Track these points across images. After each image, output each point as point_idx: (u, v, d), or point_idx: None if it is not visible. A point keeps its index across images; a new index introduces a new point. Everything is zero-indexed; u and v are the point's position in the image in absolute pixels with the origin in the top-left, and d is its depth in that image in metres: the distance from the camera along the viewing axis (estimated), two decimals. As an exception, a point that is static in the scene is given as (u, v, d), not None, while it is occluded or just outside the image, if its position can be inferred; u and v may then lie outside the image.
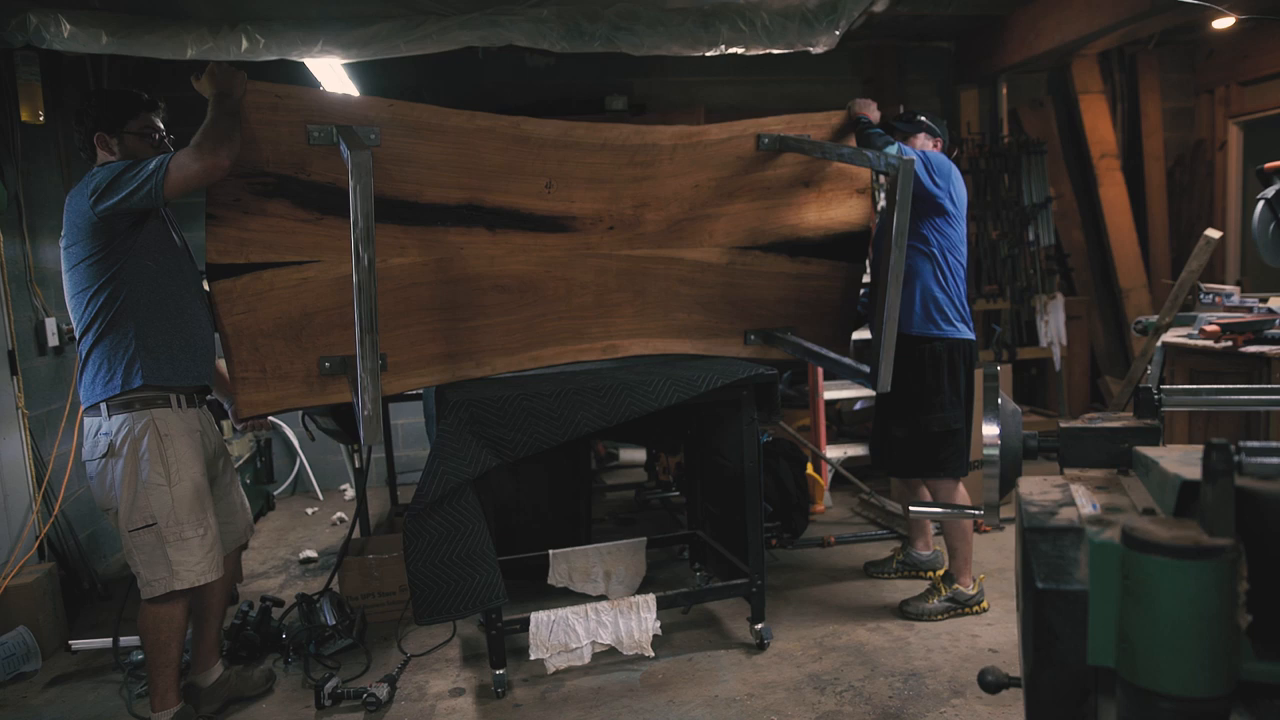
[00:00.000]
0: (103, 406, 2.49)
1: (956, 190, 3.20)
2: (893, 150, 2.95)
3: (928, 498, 3.42)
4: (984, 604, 3.34)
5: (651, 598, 3.04)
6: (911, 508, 3.10)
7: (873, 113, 3.21)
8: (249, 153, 2.51)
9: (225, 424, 4.02)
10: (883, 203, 5.79)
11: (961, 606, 3.31)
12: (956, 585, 3.33)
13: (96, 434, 2.50)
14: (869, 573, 3.78)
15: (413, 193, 2.79)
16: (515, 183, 2.89)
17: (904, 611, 3.34)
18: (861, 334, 5.21)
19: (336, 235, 2.70)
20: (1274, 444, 0.86)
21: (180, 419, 2.55)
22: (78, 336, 2.52)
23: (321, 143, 2.57)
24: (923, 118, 3.38)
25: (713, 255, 3.23)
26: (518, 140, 2.82)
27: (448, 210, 2.86)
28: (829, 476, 4.80)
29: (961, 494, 3.35)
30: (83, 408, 2.55)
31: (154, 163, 2.35)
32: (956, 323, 3.24)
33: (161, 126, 2.61)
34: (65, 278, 2.51)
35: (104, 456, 2.48)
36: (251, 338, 2.71)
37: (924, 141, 3.33)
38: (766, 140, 3.12)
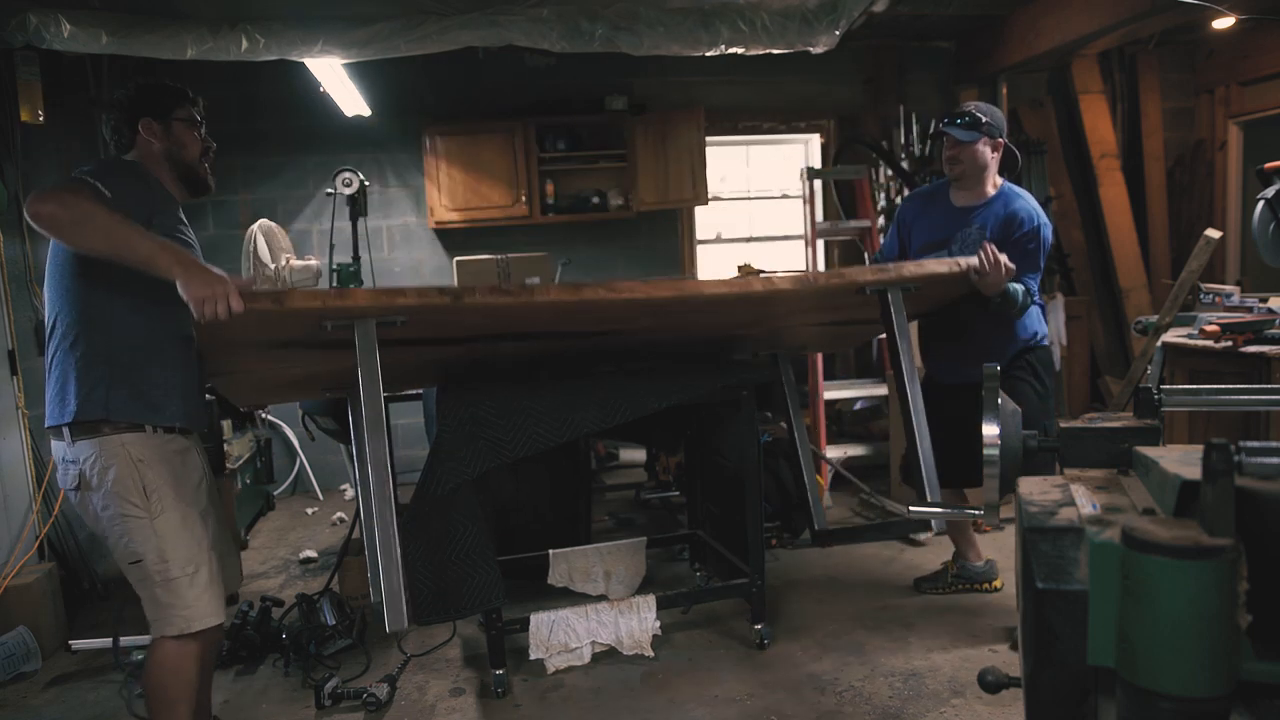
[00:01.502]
0: (64, 430, 2.17)
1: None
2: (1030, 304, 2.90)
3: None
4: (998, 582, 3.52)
5: (651, 598, 3.04)
6: (912, 507, 3.09)
7: (1002, 277, 2.77)
8: (251, 335, 2.22)
9: (226, 423, 4.04)
10: (883, 202, 5.76)
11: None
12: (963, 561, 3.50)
13: (64, 461, 2.19)
14: (921, 590, 3.55)
15: (434, 333, 2.51)
16: (568, 324, 2.57)
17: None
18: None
19: (348, 350, 2.27)
20: (1274, 444, 0.86)
21: (157, 444, 2.20)
22: (46, 335, 2.22)
23: (340, 330, 2.16)
24: (983, 116, 3.01)
25: (764, 332, 3.11)
26: (594, 303, 2.36)
27: (478, 339, 2.61)
28: (829, 476, 4.80)
29: None
30: (47, 422, 2.22)
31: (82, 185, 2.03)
32: (1046, 329, 3.24)
33: (200, 120, 2.38)
34: (48, 275, 2.20)
35: (75, 489, 2.18)
36: (244, 392, 2.76)
37: (984, 150, 3.03)
38: (869, 291, 2.68)
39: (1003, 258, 2.74)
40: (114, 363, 2.13)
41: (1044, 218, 3.05)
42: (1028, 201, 3.07)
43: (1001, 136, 3.05)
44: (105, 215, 1.93)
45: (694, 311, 2.60)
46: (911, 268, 2.65)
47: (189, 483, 2.28)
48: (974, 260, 2.73)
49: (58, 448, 2.21)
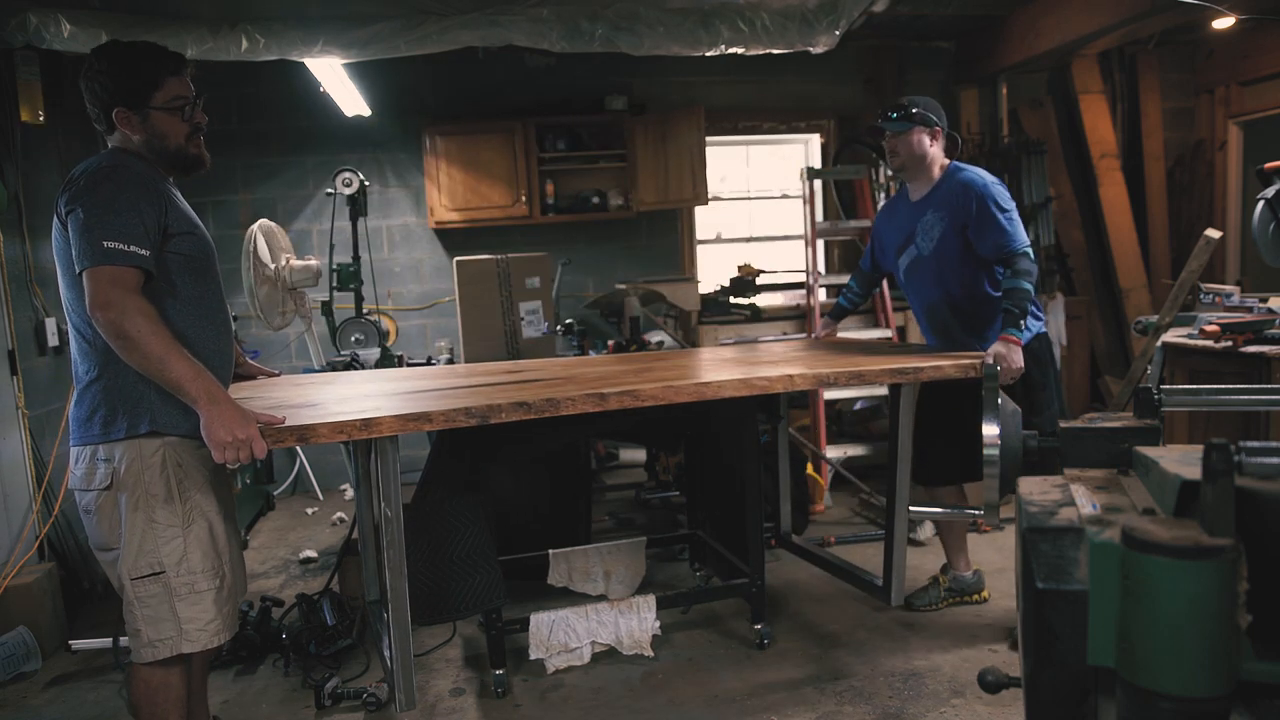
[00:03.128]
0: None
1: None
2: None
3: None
4: (984, 592, 3.41)
5: (651, 598, 3.04)
6: (911, 507, 3.09)
7: (1015, 370, 2.80)
8: None
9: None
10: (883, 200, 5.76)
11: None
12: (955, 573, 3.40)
13: (93, 460, 2.06)
14: (913, 607, 3.38)
15: None
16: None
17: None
18: (858, 333, 5.22)
19: None
20: (1274, 444, 0.86)
21: (194, 448, 2.09)
22: (77, 359, 2.10)
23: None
24: (914, 106, 3.04)
25: None
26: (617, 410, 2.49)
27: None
28: (829, 476, 4.80)
29: None
30: (72, 441, 2.11)
31: (114, 241, 1.90)
32: (1038, 315, 3.14)
33: (192, 89, 2.14)
34: (67, 288, 2.07)
35: (105, 489, 2.05)
36: None
37: (920, 139, 3.04)
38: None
39: (1011, 357, 2.77)
40: (160, 391, 2.02)
41: (989, 178, 2.99)
42: (970, 172, 3.03)
43: (938, 125, 3.04)
44: (148, 337, 1.90)
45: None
46: (930, 371, 2.68)
47: (218, 493, 2.19)
48: (989, 359, 2.70)
49: (84, 450, 2.07)
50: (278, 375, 2.86)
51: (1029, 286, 2.87)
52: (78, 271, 1.93)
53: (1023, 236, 2.93)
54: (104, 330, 1.91)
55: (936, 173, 3.10)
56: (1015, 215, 2.96)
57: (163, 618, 2.07)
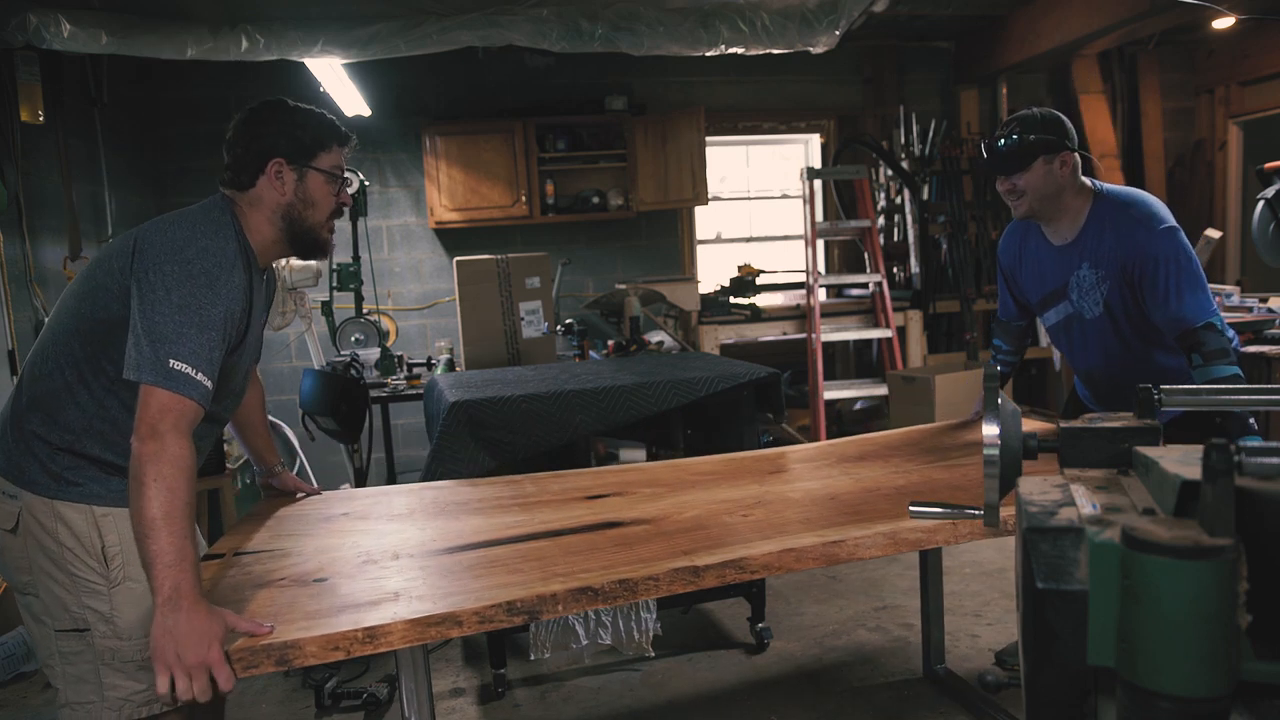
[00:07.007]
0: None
1: None
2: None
3: None
4: None
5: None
6: (911, 507, 3.08)
7: None
8: None
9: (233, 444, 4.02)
10: (885, 203, 5.75)
11: None
12: None
13: (3, 495, 1.73)
14: (1005, 664, 2.85)
15: None
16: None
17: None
18: (857, 333, 5.21)
19: None
20: (1274, 444, 0.86)
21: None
22: (22, 377, 1.77)
23: None
24: (1030, 131, 2.27)
25: None
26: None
27: None
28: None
29: None
30: None
31: (195, 359, 1.57)
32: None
33: (343, 174, 1.93)
34: (72, 313, 1.73)
35: (10, 530, 1.72)
36: None
37: (1048, 170, 2.27)
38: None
39: None
40: (83, 450, 1.70)
41: (1156, 210, 2.31)
42: (1129, 207, 2.31)
43: (1068, 146, 2.28)
44: (159, 494, 1.48)
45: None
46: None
47: None
48: None
49: None
50: (318, 493, 2.31)
51: (1234, 369, 2.14)
52: (132, 377, 1.57)
53: (1207, 303, 2.22)
54: (132, 457, 1.53)
55: (1078, 206, 2.35)
56: (1197, 269, 2.24)
57: (85, 679, 1.72)
